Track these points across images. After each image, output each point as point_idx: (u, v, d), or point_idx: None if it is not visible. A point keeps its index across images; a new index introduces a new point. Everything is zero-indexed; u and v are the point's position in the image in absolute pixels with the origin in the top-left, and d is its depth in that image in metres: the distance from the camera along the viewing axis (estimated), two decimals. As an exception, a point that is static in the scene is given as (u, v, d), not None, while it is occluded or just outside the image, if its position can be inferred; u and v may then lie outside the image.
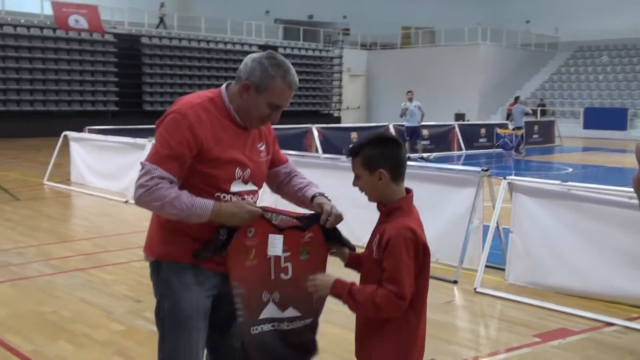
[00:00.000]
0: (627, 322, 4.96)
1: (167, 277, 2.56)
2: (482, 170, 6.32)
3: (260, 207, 2.51)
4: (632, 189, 3.99)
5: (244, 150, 2.56)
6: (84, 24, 25.91)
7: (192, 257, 2.48)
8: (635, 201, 5.01)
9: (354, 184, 2.43)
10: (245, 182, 2.57)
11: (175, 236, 2.54)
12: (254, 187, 2.62)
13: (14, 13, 25.58)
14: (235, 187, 2.53)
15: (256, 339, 2.52)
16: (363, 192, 2.42)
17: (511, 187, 6.02)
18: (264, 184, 2.79)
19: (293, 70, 2.53)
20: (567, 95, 34.21)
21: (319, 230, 2.53)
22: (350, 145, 2.52)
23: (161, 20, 30.64)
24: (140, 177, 2.42)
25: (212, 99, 2.55)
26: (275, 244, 2.49)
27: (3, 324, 4.78)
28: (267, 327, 2.54)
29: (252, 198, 2.60)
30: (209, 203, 2.42)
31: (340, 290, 2.33)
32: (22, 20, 25.40)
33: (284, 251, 2.51)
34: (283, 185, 2.82)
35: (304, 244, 2.54)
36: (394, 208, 2.38)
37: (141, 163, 2.47)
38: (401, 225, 2.31)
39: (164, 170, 2.40)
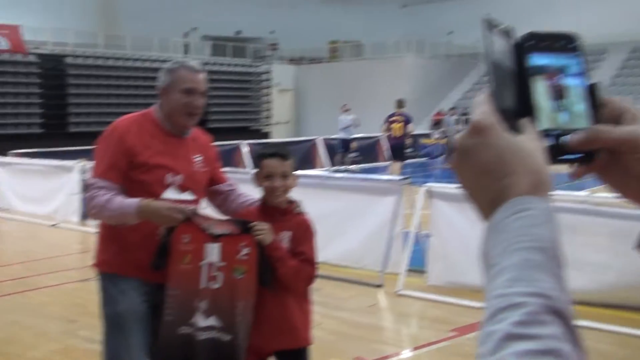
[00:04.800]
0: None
1: (105, 284, 2.81)
2: (402, 179, 6.70)
3: (191, 211, 2.70)
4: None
5: (176, 158, 2.81)
6: (5, 44, 25.37)
7: (153, 268, 2.70)
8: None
9: (281, 184, 2.74)
10: (181, 189, 2.81)
11: (110, 246, 2.79)
12: (192, 197, 2.85)
13: None
14: (170, 194, 2.77)
15: (181, 339, 2.69)
16: (279, 192, 2.76)
17: (429, 194, 6.42)
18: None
19: (192, 61, 2.90)
20: (489, 104, 35.48)
21: (255, 249, 2.68)
22: (275, 149, 2.84)
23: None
24: (87, 192, 2.75)
25: (143, 114, 2.86)
26: (213, 252, 2.68)
27: (-64, 350, 4.81)
28: (190, 330, 2.69)
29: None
30: (135, 200, 2.65)
31: (279, 247, 2.70)
32: (-61, 43, 24.65)
33: (219, 260, 2.68)
34: (228, 200, 3.04)
35: (240, 262, 2.67)
36: (294, 206, 2.83)
37: (88, 180, 2.79)
38: (308, 218, 2.83)
39: (103, 180, 2.69)
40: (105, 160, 2.72)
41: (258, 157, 2.83)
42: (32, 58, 26.64)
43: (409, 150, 15.71)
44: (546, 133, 0.67)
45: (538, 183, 0.62)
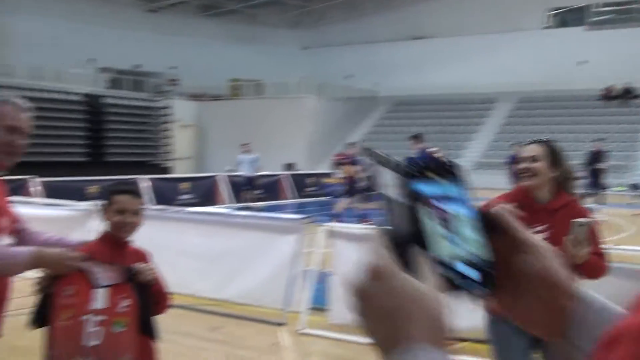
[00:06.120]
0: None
1: None
2: (303, 218, 6.71)
3: (81, 257, 2.54)
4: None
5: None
6: None
7: (30, 326, 2.51)
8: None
9: (132, 220, 2.76)
10: (6, 233, 2.57)
11: None
12: (10, 241, 2.61)
13: None
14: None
15: None
16: (128, 228, 2.79)
17: (330, 233, 6.46)
18: None
19: (20, 99, 2.70)
20: (387, 146, 36.47)
21: (135, 299, 2.60)
22: (127, 187, 2.93)
23: None
24: None
25: None
26: (98, 298, 2.55)
27: None
28: None
29: None
30: (26, 248, 2.46)
31: (160, 283, 2.75)
32: None
33: (103, 310, 2.54)
34: (24, 240, 2.69)
35: (120, 315, 2.56)
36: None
37: None
38: (142, 248, 2.91)
39: None
40: None
41: (109, 192, 2.80)
42: None
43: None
44: (439, 260, 0.67)
45: (434, 331, 0.64)
